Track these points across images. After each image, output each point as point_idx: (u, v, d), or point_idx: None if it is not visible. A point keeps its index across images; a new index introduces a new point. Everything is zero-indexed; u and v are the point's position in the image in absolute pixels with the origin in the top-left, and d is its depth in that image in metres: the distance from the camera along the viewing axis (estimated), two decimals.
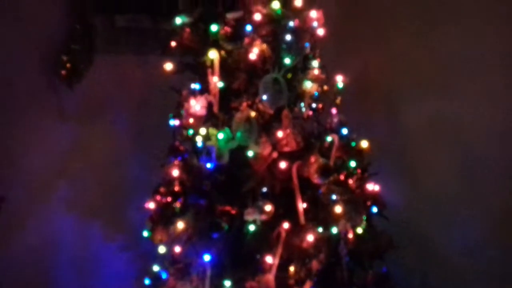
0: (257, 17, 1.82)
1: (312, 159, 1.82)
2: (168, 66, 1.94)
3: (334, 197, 1.85)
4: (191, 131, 1.91)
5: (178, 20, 1.89)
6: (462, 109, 2.47)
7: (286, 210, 1.81)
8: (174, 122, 1.93)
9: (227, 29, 1.80)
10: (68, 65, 2.17)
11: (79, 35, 2.21)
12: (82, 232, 2.41)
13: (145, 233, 2.00)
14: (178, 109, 1.98)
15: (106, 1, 2.34)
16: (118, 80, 2.44)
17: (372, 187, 1.97)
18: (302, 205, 1.80)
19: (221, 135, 1.79)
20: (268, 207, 1.73)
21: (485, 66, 2.38)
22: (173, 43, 1.93)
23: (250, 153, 1.81)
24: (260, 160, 1.81)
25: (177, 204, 1.87)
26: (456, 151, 2.51)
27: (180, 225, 1.82)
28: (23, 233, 2.24)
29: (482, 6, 2.34)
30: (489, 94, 2.40)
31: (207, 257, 1.75)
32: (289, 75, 1.90)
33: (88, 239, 2.43)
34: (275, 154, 1.83)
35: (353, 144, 1.99)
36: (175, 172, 1.86)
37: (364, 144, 2.00)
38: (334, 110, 2.00)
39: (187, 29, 1.89)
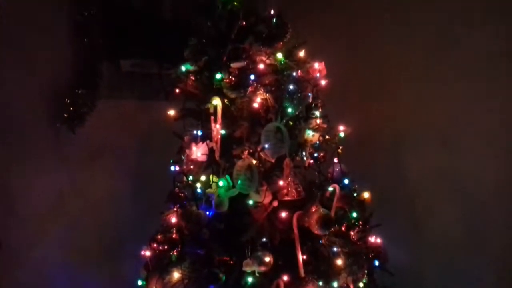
0: (261, 66, 1.84)
1: (313, 209, 1.79)
2: (171, 112, 1.95)
3: (335, 249, 1.82)
4: (191, 178, 1.89)
5: (184, 68, 1.92)
6: (464, 159, 2.47)
7: (285, 261, 1.77)
8: (175, 168, 1.91)
9: (231, 77, 1.82)
10: (71, 108, 2.19)
11: (85, 80, 2.24)
12: (77, 277, 2.34)
13: (139, 282, 1.95)
14: (179, 154, 1.98)
15: (113, 47, 2.38)
16: (120, 124, 2.45)
17: (374, 239, 1.93)
18: (302, 257, 1.74)
19: (221, 183, 1.77)
20: (267, 258, 1.69)
21: (487, 120, 2.40)
22: (177, 90, 1.95)
23: (250, 202, 1.79)
24: (260, 209, 1.78)
25: (174, 253, 1.82)
26: (458, 201, 2.48)
27: (176, 274, 1.77)
28: (19, 276, 2.18)
29: (485, 64, 2.37)
30: (490, 146, 2.40)
31: None
32: (291, 124, 1.90)
33: (83, 285, 2.36)
34: (275, 203, 1.81)
35: (355, 194, 1.97)
36: (173, 219, 1.83)
37: (366, 195, 1.98)
38: (335, 160, 1.99)
39: (192, 77, 1.92)
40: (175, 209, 1.84)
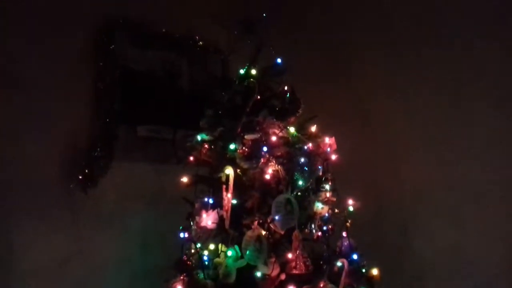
0: (273, 139, 1.91)
1: (321, 284, 1.77)
2: (184, 179, 1.99)
3: None
4: (199, 245, 1.89)
5: (199, 137, 1.98)
6: (473, 239, 2.43)
7: None
8: (184, 235, 1.91)
9: (245, 148, 1.88)
10: (86, 170, 2.23)
11: (101, 143, 2.30)
12: None
13: None
14: (189, 221, 1.99)
15: (131, 113, 2.46)
16: (131, 186, 2.48)
17: None
18: None
19: (230, 253, 1.77)
20: None
21: (497, 200, 2.40)
22: (191, 157, 2.00)
23: (258, 274, 1.77)
24: (268, 282, 1.77)
25: None
26: (468, 282, 2.42)
27: None
28: None
29: (496, 141, 2.41)
30: (499, 226, 2.38)
31: None
32: (301, 196, 1.93)
33: None
34: (283, 277, 1.79)
35: (364, 270, 1.95)
36: None
37: (375, 271, 1.96)
38: (344, 234, 1.99)
39: (206, 146, 1.98)
40: (181, 277, 1.83)
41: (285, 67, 2.08)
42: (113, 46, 2.41)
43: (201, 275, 1.80)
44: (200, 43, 2.73)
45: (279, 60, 2.07)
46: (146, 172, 2.51)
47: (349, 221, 2.01)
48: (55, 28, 2.29)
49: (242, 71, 2.05)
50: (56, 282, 2.21)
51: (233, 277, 1.76)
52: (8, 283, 2.09)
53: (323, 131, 2.05)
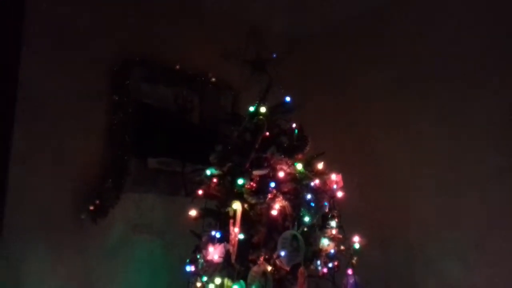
0: (281, 175, 1.95)
1: None
2: (193, 213, 2.02)
3: None
4: (205, 279, 1.91)
5: (209, 172, 2.03)
6: (477, 278, 2.41)
7: None
8: (190, 268, 1.93)
9: (252, 184, 1.92)
10: (97, 201, 2.27)
11: (112, 175, 2.36)
12: None
13: None
14: (195, 254, 2.01)
15: (142, 145, 2.52)
16: (140, 218, 2.51)
17: None
18: None
19: (236, 287, 1.78)
20: None
21: (501, 237, 2.38)
22: (200, 191, 2.04)
23: None
24: None
25: None
26: None
27: None
28: None
29: (498, 181, 2.42)
30: (503, 267, 2.36)
31: None
32: (307, 232, 1.95)
33: None
34: None
35: None
36: None
37: None
38: (350, 271, 2.00)
39: (215, 180, 2.03)
40: None
41: (293, 105, 2.15)
42: (128, 81, 2.50)
43: None
44: (212, 79, 2.82)
45: (288, 99, 2.14)
46: (155, 203, 2.55)
47: (355, 258, 2.02)
48: (75, 64, 2.39)
49: (252, 109, 2.12)
50: None
51: None
52: None
53: (329, 168, 2.09)
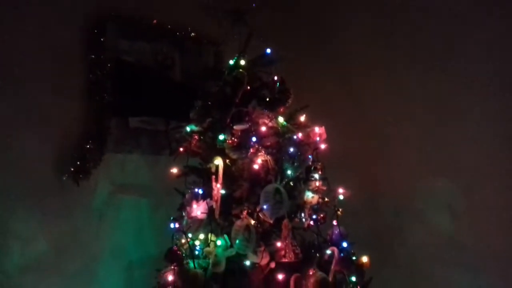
0: (263, 129, 1.91)
1: (310, 272, 1.79)
2: (174, 170, 2.00)
3: None
4: (190, 236, 1.91)
5: (189, 128, 1.99)
6: (467, 228, 2.44)
7: None
8: (174, 225, 1.93)
9: (234, 139, 1.89)
10: (78, 162, 2.24)
11: (93, 135, 2.31)
12: None
13: None
14: (180, 211, 2.01)
15: (123, 104, 2.46)
16: (123, 178, 2.49)
17: None
18: None
19: (219, 242, 1.79)
20: None
21: (490, 185, 2.40)
22: (181, 148, 2.01)
23: (247, 263, 1.79)
24: (257, 270, 1.79)
25: None
26: (460, 267, 2.44)
27: None
28: None
29: (490, 134, 2.39)
30: (494, 216, 2.38)
31: None
32: (291, 185, 1.94)
33: None
34: (272, 265, 1.81)
35: (354, 258, 1.97)
36: (170, 277, 1.83)
37: (365, 259, 1.98)
38: (335, 222, 2.01)
39: (196, 137, 1.99)
40: (172, 267, 1.85)
41: (274, 57, 2.08)
42: (104, 38, 2.41)
43: (191, 265, 1.82)
44: (192, 34, 2.73)
45: (268, 50, 2.07)
46: (138, 163, 2.53)
47: (340, 210, 2.02)
48: (46, 22, 2.29)
49: (231, 62, 2.05)
50: (53, 274, 2.24)
51: (222, 266, 1.77)
52: (5, 277, 2.11)
53: (313, 120, 2.05)
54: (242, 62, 2.01)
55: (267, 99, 2.00)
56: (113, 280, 2.40)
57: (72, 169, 2.23)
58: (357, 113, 2.79)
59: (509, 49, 2.33)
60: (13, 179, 2.16)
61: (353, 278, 1.92)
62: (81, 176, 2.25)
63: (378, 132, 2.74)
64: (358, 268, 1.95)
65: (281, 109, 2.02)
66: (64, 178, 2.24)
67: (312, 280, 1.75)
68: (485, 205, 2.40)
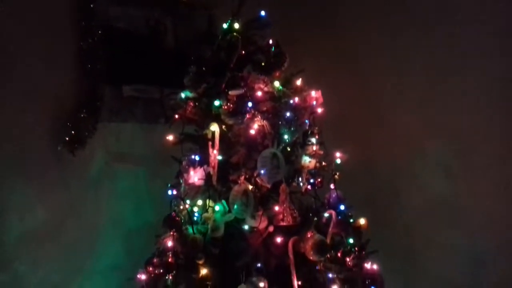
0: (258, 94, 1.89)
1: (308, 235, 1.81)
2: (170, 137, 1.99)
3: (330, 275, 1.82)
4: (188, 202, 1.92)
5: (183, 95, 1.97)
6: (464, 190, 2.46)
7: (280, 287, 1.77)
8: (172, 192, 1.93)
9: (229, 104, 1.87)
10: (72, 131, 2.22)
11: (86, 104, 2.29)
12: None
13: None
14: (177, 179, 2.01)
15: (115, 72, 2.43)
16: (119, 147, 2.48)
17: (370, 266, 1.93)
18: (297, 283, 1.75)
19: (217, 208, 1.80)
20: (262, 284, 1.70)
21: (487, 149, 2.41)
22: (176, 116, 1.99)
23: (246, 227, 1.80)
24: (256, 234, 1.80)
25: (169, 277, 1.83)
26: (456, 229, 2.47)
27: None
28: None
29: (485, 93, 2.39)
30: (490, 176, 2.40)
31: None
32: (288, 150, 1.93)
33: None
34: (271, 229, 1.83)
35: (351, 221, 1.99)
36: (169, 243, 1.85)
37: (362, 221, 2.00)
38: (332, 186, 2.01)
39: (191, 103, 1.97)
40: (171, 233, 1.86)
41: (269, 20, 2.03)
42: (93, 4, 2.35)
43: (190, 230, 1.83)
44: None
45: (263, 13, 2.02)
46: (134, 132, 2.52)
47: (337, 174, 2.02)
48: None
49: (225, 26, 2.01)
50: (51, 245, 2.25)
51: (221, 231, 1.79)
52: (3, 249, 2.12)
53: (309, 84, 2.03)
54: (236, 26, 1.96)
55: (262, 64, 1.96)
56: (113, 248, 2.43)
57: (66, 138, 2.21)
58: (354, 77, 2.76)
59: (509, 10, 2.29)
60: (7, 150, 2.15)
61: (351, 240, 1.94)
62: (76, 145, 2.23)
63: (376, 96, 2.72)
64: (356, 230, 1.98)
65: (277, 74, 1.98)
66: (59, 148, 2.22)
67: (310, 242, 1.77)
68: (482, 167, 2.41)
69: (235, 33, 1.93)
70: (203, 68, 1.94)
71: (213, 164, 1.86)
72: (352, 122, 2.72)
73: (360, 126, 2.73)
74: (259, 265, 1.75)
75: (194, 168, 1.92)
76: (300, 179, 1.97)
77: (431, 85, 2.54)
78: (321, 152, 2.00)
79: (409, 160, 2.62)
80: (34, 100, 2.22)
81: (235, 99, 1.88)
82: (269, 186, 1.84)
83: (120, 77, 2.47)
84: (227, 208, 1.80)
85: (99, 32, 2.37)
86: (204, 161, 1.91)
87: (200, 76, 1.93)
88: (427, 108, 2.56)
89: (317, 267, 1.85)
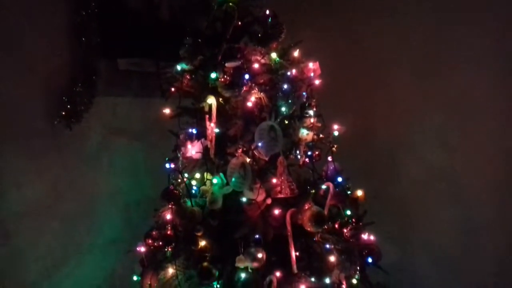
0: (255, 66, 1.86)
1: (306, 206, 1.81)
2: (167, 111, 1.97)
3: (328, 246, 1.84)
4: (186, 175, 1.92)
5: (179, 67, 1.94)
6: (460, 160, 2.47)
7: (278, 258, 1.79)
8: (170, 166, 1.93)
9: (226, 77, 1.84)
10: (68, 106, 2.21)
11: (82, 78, 2.26)
12: (71, 272, 2.36)
13: (135, 278, 1.98)
14: (175, 152, 2.00)
15: (111, 46, 2.40)
16: (116, 121, 2.47)
17: (367, 236, 1.95)
18: (295, 253, 1.76)
19: (215, 180, 1.80)
20: (260, 254, 1.71)
21: (485, 120, 2.40)
22: (173, 88, 1.97)
23: (244, 199, 1.81)
24: (254, 206, 1.80)
25: (169, 249, 1.85)
26: (454, 201, 2.49)
27: (170, 270, 1.80)
28: (20, 273, 2.19)
29: (484, 63, 2.37)
30: (487, 146, 2.41)
31: None
32: (286, 123, 1.92)
33: (80, 280, 2.38)
34: (269, 201, 1.83)
35: (349, 192, 2.00)
36: (168, 216, 1.86)
37: (359, 193, 2.00)
38: (330, 158, 2.01)
39: (187, 76, 1.94)
40: (170, 206, 1.87)
41: None
42: None
43: (189, 203, 1.84)
44: None
45: None
46: (130, 106, 2.50)
47: (335, 146, 2.02)
48: None
49: None
50: (50, 218, 2.27)
51: (219, 204, 1.80)
52: (2, 225, 2.13)
53: (307, 56, 2.00)
54: None
55: (259, 35, 1.93)
56: (111, 221, 2.45)
57: (63, 113, 2.20)
58: (352, 49, 2.73)
59: None
60: (3, 127, 2.13)
61: (348, 212, 1.95)
62: (72, 120, 2.22)
63: (373, 68, 2.69)
64: (353, 202, 1.99)
65: (274, 45, 1.95)
66: (56, 123, 2.21)
67: (308, 213, 1.78)
68: (480, 139, 2.41)
69: (231, 3, 1.89)
70: (199, 40, 1.91)
71: (210, 137, 1.85)
72: (350, 94, 2.70)
73: (358, 99, 2.71)
74: (257, 236, 1.75)
75: (192, 141, 1.91)
76: (297, 151, 1.97)
77: (431, 57, 2.51)
78: (319, 125, 1.99)
79: (407, 132, 2.61)
80: (29, 74, 2.20)
81: (231, 71, 1.86)
82: (266, 158, 1.83)
83: (115, 51, 2.44)
84: (225, 181, 1.80)
85: (93, 4, 2.32)
86: (202, 134, 1.90)
87: (196, 48, 1.90)
88: (425, 80, 2.53)
89: (314, 239, 1.86)
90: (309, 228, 1.79)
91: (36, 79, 2.22)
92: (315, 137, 1.98)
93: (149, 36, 2.53)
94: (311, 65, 1.98)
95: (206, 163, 1.87)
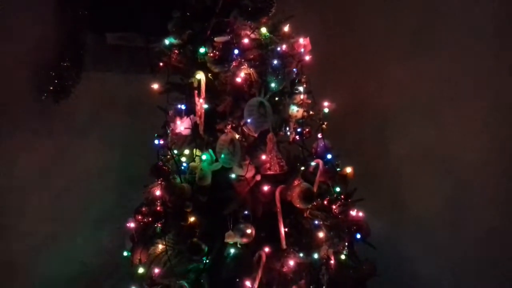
0: (245, 41, 1.84)
1: (295, 183, 1.81)
2: (155, 86, 1.95)
3: (316, 222, 1.85)
4: (175, 152, 1.91)
5: (167, 42, 1.90)
6: (449, 136, 2.48)
7: (267, 234, 1.80)
8: (159, 142, 1.92)
9: (215, 52, 1.81)
10: (56, 81, 2.18)
11: (69, 53, 2.23)
12: (64, 248, 2.37)
13: (125, 253, 1.99)
14: (164, 128, 1.99)
15: (98, 19, 2.35)
16: (105, 97, 2.44)
17: (356, 213, 1.96)
18: (284, 229, 1.78)
19: (204, 157, 1.80)
20: (249, 230, 1.72)
21: (474, 97, 2.40)
22: (161, 63, 1.94)
23: (233, 176, 1.81)
24: (243, 182, 1.80)
25: (158, 225, 1.85)
26: (443, 177, 2.51)
27: (160, 246, 1.81)
28: (8, 248, 2.20)
29: (473, 41, 2.36)
30: (476, 123, 2.41)
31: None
32: (276, 99, 1.91)
33: (69, 256, 2.39)
34: (258, 177, 1.83)
35: (338, 169, 2.00)
36: (157, 192, 1.85)
37: (349, 170, 2.01)
38: (319, 135, 2.01)
39: (176, 50, 1.91)
40: (159, 182, 1.87)
41: None
42: None
43: (178, 179, 1.84)
44: None
45: None
46: (119, 81, 2.47)
47: (325, 123, 2.01)
48: None
49: None
50: (41, 194, 2.26)
51: (208, 180, 1.79)
52: None
53: (297, 31, 1.97)
54: None
55: (249, 9, 1.88)
56: (101, 198, 2.44)
57: (50, 88, 2.17)
58: (343, 25, 2.70)
59: None
60: None
61: (337, 189, 1.96)
62: (60, 95, 2.19)
63: (365, 45, 2.67)
64: (342, 179, 1.99)
65: (264, 20, 1.91)
66: (43, 98, 2.18)
67: (297, 190, 1.78)
68: (472, 117, 2.42)
69: None
70: (188, 13, 1.87)
71: (199, 113, 1.83)
72: (340, 71, 2.68)
73: (348, 75, 2.70)
74: (246, 212, 1.76)
75: (181, 117, 1.90)
76: (287, 128, 1.96)
77: (421, 34, 2.49)
78: (309, 101, 1.98)
79: (397, 109, 2.61)
80: (16, 48, 2.16)
81: (221, 46, 1.83)
82: (256, 135, 1.82)
83: (103, 25, 2.40)
84: (214, 157, 1.80)
85: None
86: (191, 110, 1.88)
87: (185, 21, 1.87)
88: (416, 57, 2.52)
89: (303, 215, 1.87)
90: (298, 204, 1.80)
91: (22, 52, 2.18)
92: (305, 114, 1.97)
93: (137, 9, 2.48)
94: (301, 40, 1.96)
95: (195, 139, 1.86)
